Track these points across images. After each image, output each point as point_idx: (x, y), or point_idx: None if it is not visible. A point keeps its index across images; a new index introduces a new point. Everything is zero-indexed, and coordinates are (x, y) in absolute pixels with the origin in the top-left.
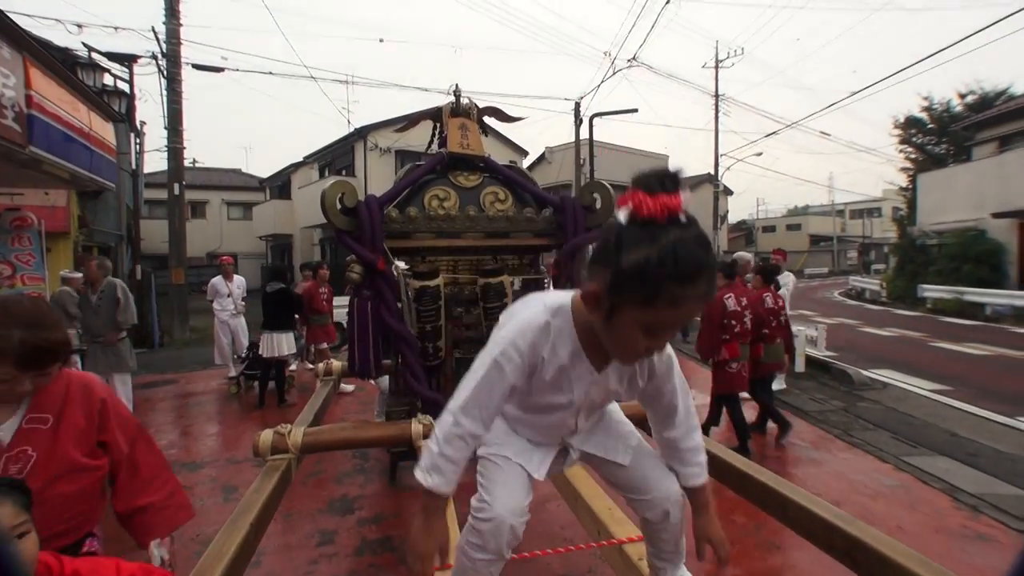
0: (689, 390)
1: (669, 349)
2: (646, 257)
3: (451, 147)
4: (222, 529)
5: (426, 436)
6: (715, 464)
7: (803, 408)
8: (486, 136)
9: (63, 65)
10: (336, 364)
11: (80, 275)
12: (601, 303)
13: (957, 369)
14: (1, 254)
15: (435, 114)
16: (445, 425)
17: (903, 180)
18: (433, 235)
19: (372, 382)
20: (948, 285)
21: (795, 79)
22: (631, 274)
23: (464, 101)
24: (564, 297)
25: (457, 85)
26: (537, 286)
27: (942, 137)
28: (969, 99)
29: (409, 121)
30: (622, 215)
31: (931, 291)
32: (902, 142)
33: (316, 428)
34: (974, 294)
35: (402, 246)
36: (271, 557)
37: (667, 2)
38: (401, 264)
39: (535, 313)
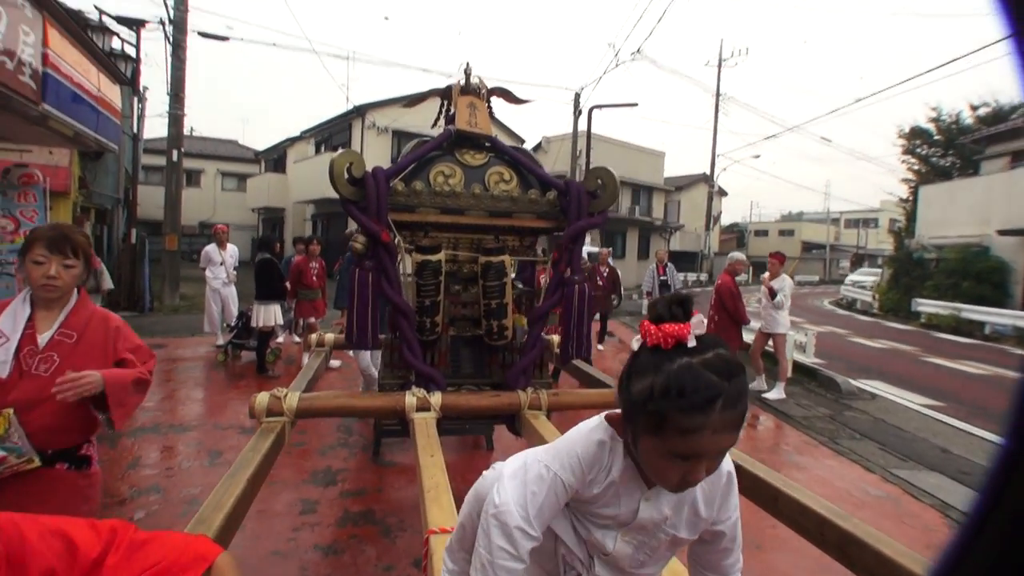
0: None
1: (729, 469)
2: (650, 385)
3: (459, 125)
4: (220, 483)
5: (420, 409)
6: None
7: (788, 413)
8: (493, 118)
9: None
10: (329, 336)
11: None
12: (625, 431)
13: (951, 385)
14: (7, 209)
15: (445, 92)
16: (520, 541)
17: (904, 191)
18: (437, 211)
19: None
20: (945, 301)
21: (799, 82)
22: (637, 403)
23: (474, 80)
24: (611, 427)
25: (468, 63)
26: (533, 269)
27: (948, 149)
28: (982, 111)
29: (418, 96)
30: (635, 344)
31: (926, 305)
32: (906, 152)
33: (311, 394)
34: (973, 311)
35: (406, 220)
36: (254, 522)
37: None
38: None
39: (594, 431)
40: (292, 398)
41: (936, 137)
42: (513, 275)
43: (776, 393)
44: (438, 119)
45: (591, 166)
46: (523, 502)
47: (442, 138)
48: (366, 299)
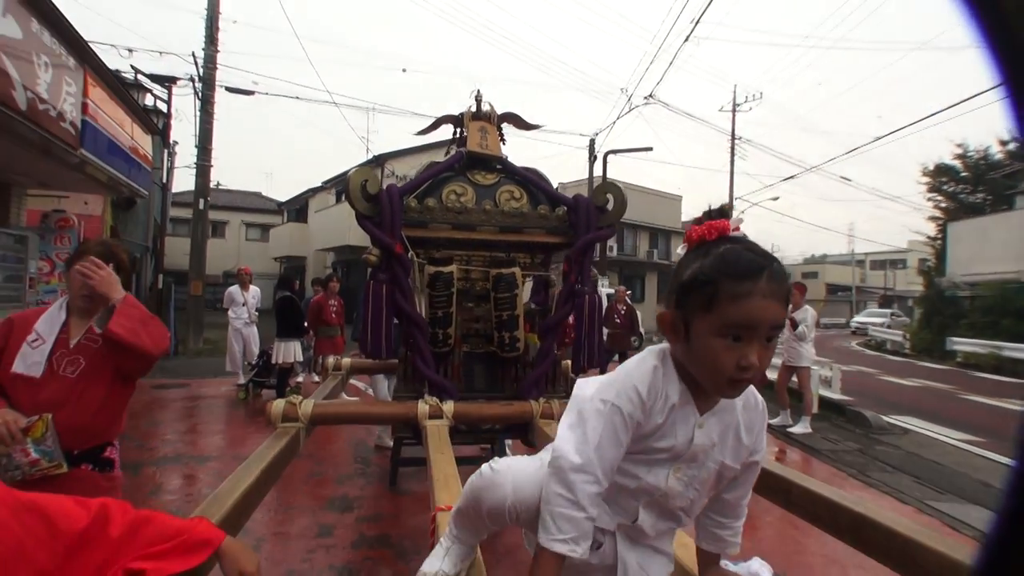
0: None
1: (762, 401)
2: (699, 267)
3: (470, 147)
4: (233, 474)
5: (432, 416)
6: None
7: (815, 447)
8: (504, 142)
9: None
10: (346, 361)
11: None
12: (676, 326)
13: (991, 422)
14: (44, 252)
15: (456, 119)
16: (579, 484)
17: (931, 229)
18: (449, 226)
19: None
20: (983, 339)
21: (815, 123)
22: (690, 284)
23: (485, 106)
24: (663, 346)
25: (479, 90)
26: (547, 284)
27: (977, 185)
28: (1012, 146)
29: (431, 125)
30: (680, 250)
31: (962, 344)
32: (931, 190)
33: (325, 401)
34: (1016, 349)
35: (419, 235)
36: (271, 544)
37: (685, 40)
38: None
39: (645, 358)
40: (307, 405)
41: (963, 173)
42: (527, 297)
43: (802, 427)
44: (451, 143)
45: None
46: (580, 445)
47: (454, 159)
48: (380, 310)
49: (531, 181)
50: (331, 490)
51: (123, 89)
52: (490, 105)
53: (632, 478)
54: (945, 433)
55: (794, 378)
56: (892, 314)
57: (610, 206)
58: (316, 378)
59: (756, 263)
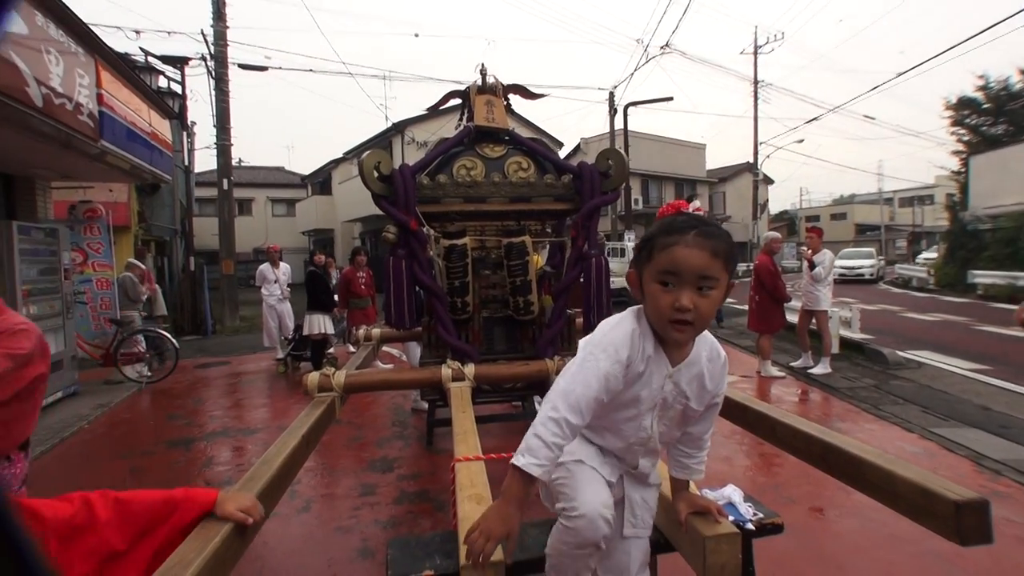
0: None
1: (724, 354)
2: (650, 230)
3: (477, 121)
4: (276, 442)
5: (455, 379)
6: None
7: (834, 386)
8: (511, 113)
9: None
10: (375, 331)
11: (142, 265)
12: (635, 281)
13: (1000, 349)
14: (75, 242)
15: (463, 94)
16: (543, 411)
17: (955, 164)
18: (461, 200)
19: (405, 359)
20: (1003, 271)
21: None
22: (640, 244)
23: (490, 80)
24: (639, 307)
25: (483, 64)
26: (561, 248)
27: (999, 117)
28: None
29: (439, 101)
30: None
31: (982, 277)
32: (954, 124)
33: (356, 371)
34: None
35: (433, 211)
36: (319, 504)
37: None
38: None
39: (623, 319)
40: (340, 375)
41: (985, 105)
42: (544, 261)
43: (821, 368)
44: (460, 119)
45: (631, 164)
46: (568, 386)
47: (462, 134)
48: (401, 283)
49: (537, 151)
50: (372, 453)
51: (136, 75)
52: (495, 78)
53: (632, 433)
54: (956, 364)
55: (814, 321)
56: (878, 253)
57: (613, 171)
58: (352, 349)
59: (686, 223)
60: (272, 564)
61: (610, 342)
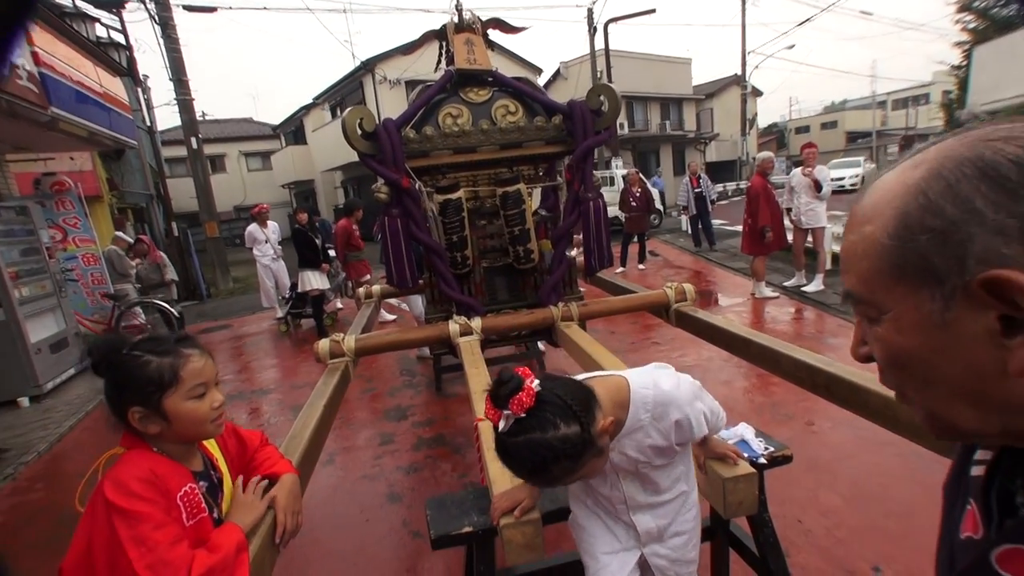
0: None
1: (677, 418)
2: None
3: (458, 64)
4: (302, 411)
5: (463, 334)
6: (723, 336)
7: (826, 302)
8: (492, 50)
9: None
10: (376, 288)
11: (127, 237)
12: None
13: None
14: (50, 219)
15: (440, 33)
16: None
17: (957, 57)
18: (450, 151)
19: (407, 309)
20: None
21: None
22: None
23: (467, 15)
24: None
25: (459, 1)
26: (555, 190)
27: None
28: None
29: (415, 43)
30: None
31: None
32: (960, 9)
33: (365, 335)
34: None
35: (422, 165)
36: (341, 456)
37: None
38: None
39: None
40: (350, 340)
41: None
42: (537, 204)
43: (815, 286)
44: (439, 62)
45: (615, 85)
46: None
47: (444, 80)
48: (399, 243)
49: (524, 92)
50: (385, 403)
51: (68, 26)
52: (471, 13)
53: (600, 494)
54: None
55: (810, 239)
56: (870, 161)
57: (605, 108)
58: (339, 306)
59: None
60: (306, 514)
61: None
